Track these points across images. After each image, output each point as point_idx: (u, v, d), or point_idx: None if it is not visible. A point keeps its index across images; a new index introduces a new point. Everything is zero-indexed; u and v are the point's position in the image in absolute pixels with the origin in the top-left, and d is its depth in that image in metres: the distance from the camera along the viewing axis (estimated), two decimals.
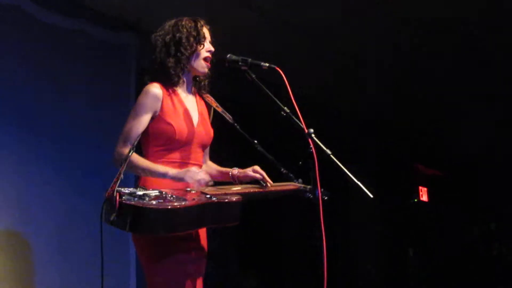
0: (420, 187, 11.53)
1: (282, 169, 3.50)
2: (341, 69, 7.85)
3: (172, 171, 3.19)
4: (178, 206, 2.92)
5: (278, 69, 3.23)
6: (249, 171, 3.46)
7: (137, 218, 2.87)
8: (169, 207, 2.90)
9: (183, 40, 3.36)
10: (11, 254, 5.11)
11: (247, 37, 6.56)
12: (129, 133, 3.24)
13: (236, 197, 3.19)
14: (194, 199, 3.04)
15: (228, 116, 3.55)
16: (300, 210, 8.58)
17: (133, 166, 3.20)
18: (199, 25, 3.43)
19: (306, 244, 8.51)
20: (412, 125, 10.10)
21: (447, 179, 11.88)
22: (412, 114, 9.54)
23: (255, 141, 3.54)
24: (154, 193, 2.99)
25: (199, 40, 3.41)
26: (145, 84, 3.37)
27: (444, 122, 9.96)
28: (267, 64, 3.30)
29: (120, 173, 2.95)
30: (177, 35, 3.37)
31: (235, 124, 3.54)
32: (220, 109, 3.56)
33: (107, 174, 5.64)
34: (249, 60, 3.35)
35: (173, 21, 3.44)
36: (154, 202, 2.91)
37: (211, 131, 3.51)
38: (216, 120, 3.60)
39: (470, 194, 11.71)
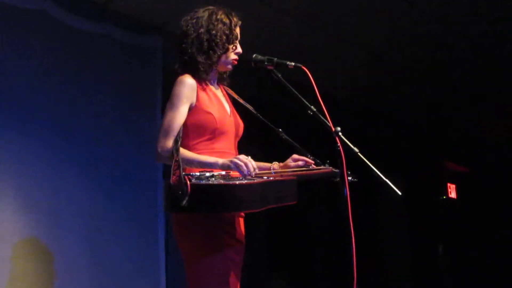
0: (448, 184, 11.47)
1: (309, 155, 3.49)
2: (368, 67, 7.83)
3: (220, 160, 3.11)
4: (250, 183, 2.93)
5: (304, 68, 3.22)
6: (289, 162, 3.43)
7: (213, 197, 2.86)
8: (245, 182, 2.92)
9: (217, 39, 3.31)
10: (41, 257, 5.16)
11: (272, 36, 6.58)
12: (170, 125, 3.17)
13: (290, 176, 3.22)
14: (256, 178, 3.04)
15: (249, 106, 3.53)
16: (328, 210, 8.58)
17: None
18: (233, 23, 3.38)
19: (335, 244, 8.50)
20: (441, 122, 10.05)
21: (476, 175, 11.80)
22: (440, 110, 9.49)
23: (280, 129, 3.53)
24: (221, 173, 2.98)
25: (232, 40, 3.37)
26: (176, 72, 3.33)
27: (473, 118, 9.90)
28: (293, 63, 3.28)
29: (177, 161, 2.90)
30: (212, 32, 3.30)
31: (258, 114, 3.53)
32: (241, 100, 3.54)
33: (136, 177, 5.75)
34: (275, 59, 3.33)
35: (206, 12, 3.36)
36: (225, 181, 2.90)
37: (242, 122, 3.49)
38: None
39: (499, 190, 11.62)
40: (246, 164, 3.04)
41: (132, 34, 6.08)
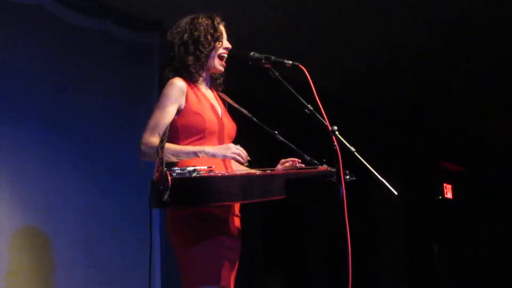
0: (444, 184, 11.47)
1: (306, 156, 3.50)
2: (365, 66, 7.82)
3: (208, 147, 3.19)
4: (232, 175, 3.03)
5: (301, 66, 3.24)
6: (278, 167, 3.45)
7: (194, 190, 2.91)
8: (226, 175, 3.01)
9: (202, 39, 3.37)
10: (36, 253, 5.15)
11: (268, 35, 6.56)
12: (156, 124, 3.23)
13: (279, 172, 3.26)
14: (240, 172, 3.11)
15: (244, 110, 3.55)
16: (325, 208, 8.57)
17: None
18: (215, 22, 3.44)
19: (331, 243, 8.50)
20: (438, 121, 10.05)
21: (472, 175, 11.79)
22: (437, 109, 9.49)
23: (275, 132, 3.54)
24: (203, 168, 3.00)
25: (217, 37, 3.42)
26: (167, 78, 3.38)
27: (469, 117, 9.90)
28: (290, 62, 3.30)
29: (161, 158, 2.92)
30: (195, 33, 3.37)
31: (253, 118, 3.54)
32: (236, 104, 3.57)
33: (131, 173, 5.74)
34: (273, 57, 3.35)
35: (188, 19, 3.44)
36: (206, 174, 2.94)
37: (234, 123, 3.52)
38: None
39: (495, 191, 11.63)
40: (239, 154, 3.16)
41: (129, 30, 6.08)
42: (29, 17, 5.35)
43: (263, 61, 3.36)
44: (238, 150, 3.18)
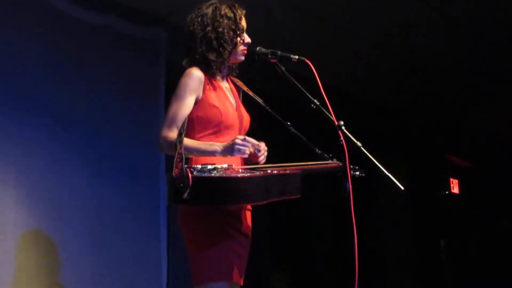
0: (451, 179, 11.46)
1: (317, 150, 3.50)
2: (371, 60, 7.81)
3: (220, 147, 3.13)
4: (252, 176, 2.97)
5: (307, 61, 3.23)
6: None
7: (214, 190, 2.89)
8: (247, 175, 2.96)
9: (225, 36, 3.33)
10: (43, 249, 5.16)
11: (275, 30, 6.56)
12: (174, 116, 3.20)
13: (295, 171, 3.23)
14: (259, 171, 3.08)
15: (259, 99, 3.54)
16: (331, 205, 8.57)
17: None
18: (237, 16, 3.39)
19: (337, 238, 8.50)
20: (444, 116, 10.03)
21: (478, 170, 11.78)
22: (443, 104, 9.47)
23: (288, 123, 3.54)
24: (223, 166, 3.00)
25: (239, 34, 3.39)
26: (184, 69, 3.34)
27: (477, 112, 9.88)
28: (296, 57, 3.29)
29: (180, 154, 2.89)
30: (219, 29, 3.33)
31: (267, 107, 3.53)
32: (251, 92, 3.55)
33: (138, 169, 5.75)
34: (279, 52, 3.34)
35: (210, 8, 3.38)
36: (227, 174, 2.93)
37: (248, 115, 3.51)
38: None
39: (502, 185, 11.60)
40: (244, 145, 3.09)
41: (136, 26, 6.06)
42: (35, 12, 5.35)
43: (269, 56, 3.36)
44: (239, 146, 3.09)
